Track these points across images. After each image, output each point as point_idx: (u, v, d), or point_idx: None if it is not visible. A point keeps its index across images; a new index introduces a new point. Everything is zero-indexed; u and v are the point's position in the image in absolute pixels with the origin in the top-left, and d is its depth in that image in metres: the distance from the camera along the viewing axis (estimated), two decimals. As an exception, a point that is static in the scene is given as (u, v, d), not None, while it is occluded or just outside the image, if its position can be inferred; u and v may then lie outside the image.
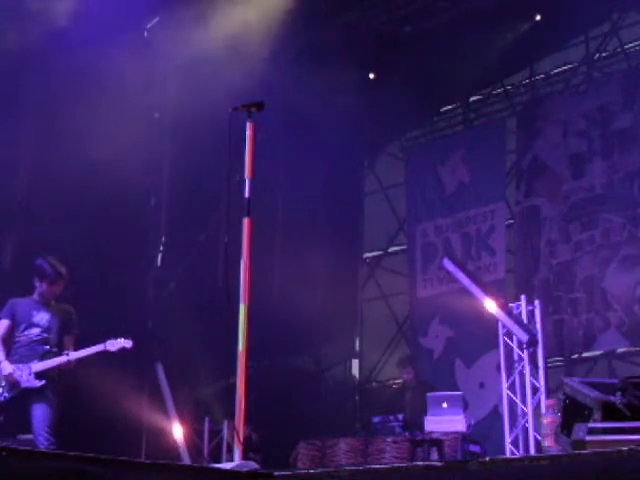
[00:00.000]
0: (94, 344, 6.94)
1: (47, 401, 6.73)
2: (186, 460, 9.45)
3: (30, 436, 6.72)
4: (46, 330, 6.90)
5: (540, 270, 11.81)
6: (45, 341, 6.89)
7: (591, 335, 11.21)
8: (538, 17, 11.31)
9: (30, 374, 6.74)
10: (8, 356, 6.82)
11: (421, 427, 8.50)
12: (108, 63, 9.07)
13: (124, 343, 6.94)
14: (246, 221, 5.07)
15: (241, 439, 4.68)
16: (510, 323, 8.86)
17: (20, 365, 6.76)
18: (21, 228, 9.40)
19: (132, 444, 9.39)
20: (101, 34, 8.98)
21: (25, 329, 6.89)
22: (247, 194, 5.16)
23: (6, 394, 6.72)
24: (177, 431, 10.02)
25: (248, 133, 5.25)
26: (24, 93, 9.37)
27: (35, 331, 6.89)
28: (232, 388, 4.79)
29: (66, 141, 9.01)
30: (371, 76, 12.34)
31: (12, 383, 6.72)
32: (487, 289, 9.38)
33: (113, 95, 9.13)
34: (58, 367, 6.82)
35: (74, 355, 6.83)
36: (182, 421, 10.10)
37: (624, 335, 10.96)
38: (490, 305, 8.97)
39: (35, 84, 9.39)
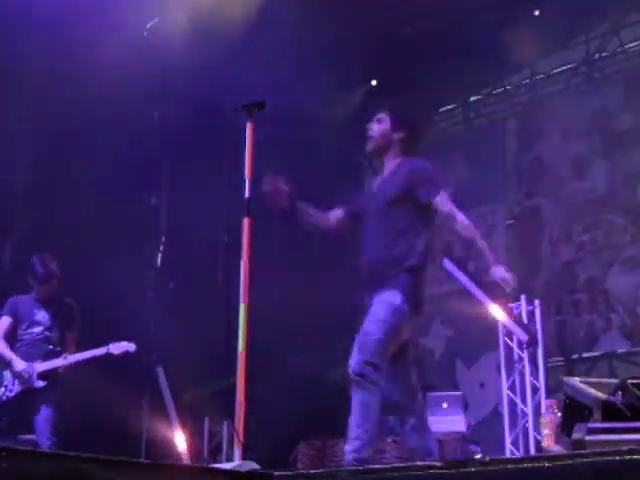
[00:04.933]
0: (94, 346, 6.94)
1: (50, 401, 6.74)
2: (186, 460, 9.44)
3: (31, 436, 6.72)
4: (48, 328, 6.91)
5: (541, 271, 11.80)
6: (48, 340, 6.90)
7: (593, 336, 11.19)
8: (537, 13, 11.27)
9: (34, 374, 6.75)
10: None
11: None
12: (107, 63, 9.05)
13: (127, 347, 6.94)
14: (246, 221, 5.06)
15: (241, 439, 4.67)
16: (510, 323, 8.86)
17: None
18: (20, 229, 9.39)
19: (132, 444, 9.37)
20: (101, 33, 8.97)
21: (27, 327, 6.90)
22: (247, 194, 5.15)
23: (9, 393, 6.72)
24: (178, 432, 10.01)
25: (248, 133, 5.23)
26: (23, 93, 9.36)
27: (37, 329, 6.90)
28: (232, 388, 4.78)
29: (65, 142, 9.00)
30: (373, 83, 12.34)
31: (24, 379, 6.71)
32: (487, 289, 9.38)
33: (113, 95, 9.11)
34: (60, 368, 6.84)
35: (74, 357, 6.83)
36: (182, 422, 10.09)
37: (626, 337, 10.94)
38: (490, 306, 8.97)
39: (34, 84, 9.38)
